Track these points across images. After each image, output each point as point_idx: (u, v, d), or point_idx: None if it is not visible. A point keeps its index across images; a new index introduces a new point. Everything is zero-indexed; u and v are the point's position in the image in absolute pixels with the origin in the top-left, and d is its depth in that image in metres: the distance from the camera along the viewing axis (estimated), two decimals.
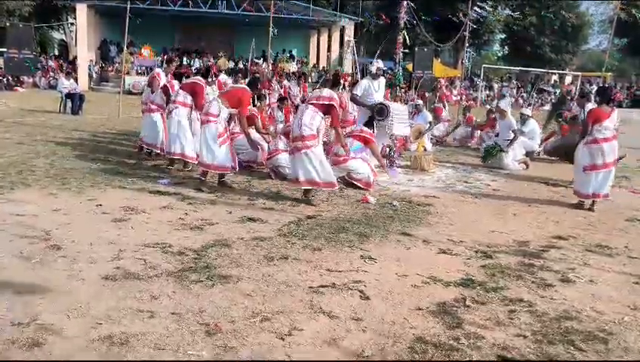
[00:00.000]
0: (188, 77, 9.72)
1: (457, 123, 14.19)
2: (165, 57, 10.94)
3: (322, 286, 4.24)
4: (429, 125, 12.47)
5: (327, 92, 6.99)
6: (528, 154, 11.13)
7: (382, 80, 8.94)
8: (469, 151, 12.66)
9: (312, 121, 6.70)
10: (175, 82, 8.95)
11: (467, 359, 3.27)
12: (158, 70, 9.90)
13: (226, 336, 3.38)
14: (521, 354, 3.36)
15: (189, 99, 8.16)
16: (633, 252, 5.60)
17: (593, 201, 7.36)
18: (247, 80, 8.67)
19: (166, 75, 9.39)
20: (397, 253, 5.17)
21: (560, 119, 12.74)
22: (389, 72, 16.49)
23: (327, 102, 6.85)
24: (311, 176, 6.67)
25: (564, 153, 9.82)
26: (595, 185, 7.28)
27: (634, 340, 3.64)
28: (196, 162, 8.05)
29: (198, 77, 8.81)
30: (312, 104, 6.85)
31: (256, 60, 27.34)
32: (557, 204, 7.71)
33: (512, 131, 10.50)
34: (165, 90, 8.75)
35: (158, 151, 8.87)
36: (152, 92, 9.20)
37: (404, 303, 4.04)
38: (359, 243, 5.37)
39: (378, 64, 8.79)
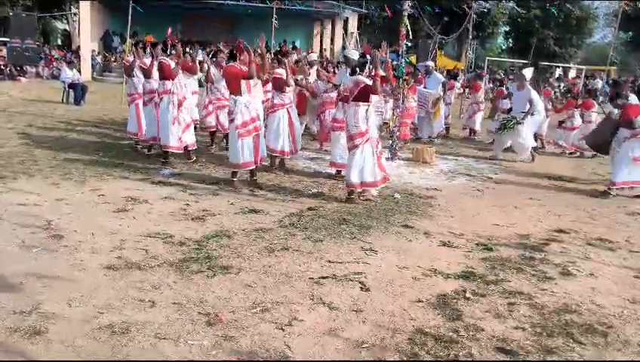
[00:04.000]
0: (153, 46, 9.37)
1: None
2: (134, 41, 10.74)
3: (323, 278, 4.25)
4: (441, 87, 12.32)
5: (352, 81, 6.60)
6: (536, 136, 11.08)
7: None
8: (471, 143, 12.63)
9: (357, 116, 6.45)
10: (147, 60, 8.50)
11: (466, 351, 3.29)
12: (129, 58, 9.57)
13: (226, 326, 3.41)
14: (520, 346, 3.37)
15: (167, 85, 7.90)
16: (634, 246, 5.60)
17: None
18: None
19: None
20: (398, 245, 5.18)
21: (569, 95, 12.66)
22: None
23: (357, 90, 6.46)
24: (363, 178, 6.53)
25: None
26: None
27: (633, 333, 3.65)
28: (181, 151, 8.15)
29: (162, 56, 8.19)
30: (353, 102, 6.52)
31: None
32: (558, 197, 7.70)
33: (529, 101, 10.23)
34: (146, 73, 8.37)
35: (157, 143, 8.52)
36: (126, 72, 8.88)
37: (405, 295, 4.06)
38: (360, 235, 5.38)
39: (346, 52, 8.77)
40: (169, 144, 8.01)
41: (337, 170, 7.90)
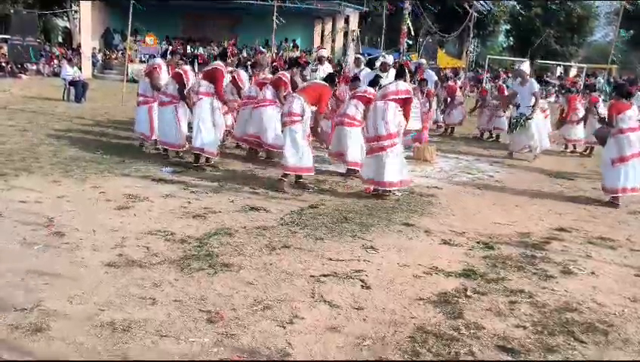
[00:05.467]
0: (205, 63, 9.33)
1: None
2: (170, 48, 9.94)
3: (324, 276, 4.25)
4: (435, 85, 12.44)
5: (404, 85, 6.81)
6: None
7: (392, 72, 8.88)
8: (472, 142, 12.64)
9: (395, 117, 6.63)
10: (187, 67, 8.36)
11: (467, 349, 3.29)
12: (158, 61, 9.05)
13: (227, 324, 3.41)
14: (521, 345, 3.37)
15: (211, 89, 7.62)
16: (635, 244, 5.60)
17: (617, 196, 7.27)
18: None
19: (167, 67, 8.71)
20: (399, 243, 5.18)
21: (569, 90, 12.64)
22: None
23: (406, 96, 6.73)
24: (401, 176, 6.73)
25: None
26: (624, 180, 7.17)
27: (634, 332, 3.65)
28: (216, 157, 7.83)
29: (218, 62, 7.97)
30: (392, 100, 6.68)
31: (262, 50, 27.30)
32: (560, 196, 7.70)
33: (533, 94, 10.19)
34: (178, 78, 8.04)
35: (177, 150, 8.28)
36: (153, 85, 8.48)
37: (405, 293, 4.06)
38: (361, 232, 5.38)
39: (385, 59, 8.65)
40: (209, 150, 7.70)
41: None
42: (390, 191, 6.79)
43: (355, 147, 7.62)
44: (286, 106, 6.96)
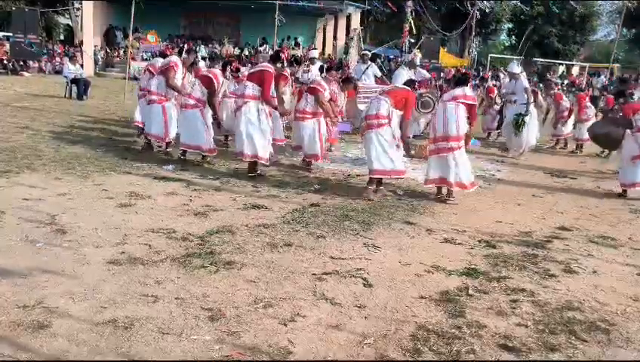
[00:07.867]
0: (237, 70, 9.10)
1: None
2: (185, 46, 9.43)
3: (325, 274, 4.25)
4: (430, 81, 12.48)
5: (470, 92, 6.84)
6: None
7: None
8: (473, 140, 12.63)
9: (464, 120, 6.62)
10: (217, 71, 8.08)
11: (469, 347, 3.29)
12: (175, 59, 8.25)
13: (229, 321, 3.41)
14: (523, 344, 3.37)
15: (258, 91, 7.08)
16: (637, 243, 5.60)
17: None
18: None
19: (183, 66, 8.21)
20: (400, 241, 5.18)
21: (578, 90, 12.71)
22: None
23: (472, 102, 6.77)
24: (469, 178, 6.74)
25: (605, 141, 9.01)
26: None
27: (636, 331, 3.64)
28: (268, 163, 7.45)
29: (266, 63, 7.48)
30: (462, 103, 6.63)
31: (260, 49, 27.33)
32: (561, 194, 7.69)
33: (524, 90, 10.28)
34: (207, 80, 7.75)
35: (206, 153, 7.97)
36: (170, 85, 7.97)
37: (407, 291, 4.06)
38: (363, 231, 5.38)
39: (416, 57, 8.67)
40: (259, 155, 7.19)
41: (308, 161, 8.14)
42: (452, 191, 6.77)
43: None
44: (371, 109, 6.66)
